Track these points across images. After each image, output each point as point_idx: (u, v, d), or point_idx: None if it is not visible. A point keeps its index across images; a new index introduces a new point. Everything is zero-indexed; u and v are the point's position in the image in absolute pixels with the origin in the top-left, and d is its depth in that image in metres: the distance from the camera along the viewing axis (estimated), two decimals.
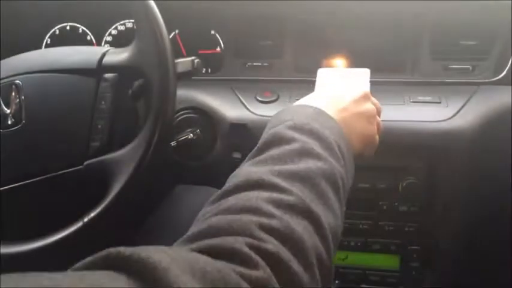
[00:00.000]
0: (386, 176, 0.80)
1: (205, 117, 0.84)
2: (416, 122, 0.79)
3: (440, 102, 0.83)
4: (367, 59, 0.96)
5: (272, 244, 0.34)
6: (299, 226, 0.37)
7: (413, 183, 0.79)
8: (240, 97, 0.88)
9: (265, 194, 0.39)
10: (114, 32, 1.03)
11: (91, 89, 0.67)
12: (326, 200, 0.42)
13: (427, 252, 0.82)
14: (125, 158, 0.65)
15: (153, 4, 0.63)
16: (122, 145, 0.66)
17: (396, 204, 0.81)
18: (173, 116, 0.78)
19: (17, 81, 0.68)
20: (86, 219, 0.64)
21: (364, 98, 0.60)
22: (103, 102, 0.68)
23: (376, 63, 0.95)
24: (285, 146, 0.45)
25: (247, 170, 0.44)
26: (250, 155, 0.47)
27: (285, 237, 0.36)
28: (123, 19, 1.02)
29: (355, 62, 0.97)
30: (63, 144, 0.67)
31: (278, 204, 0.38)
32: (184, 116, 0.84)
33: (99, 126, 0.67)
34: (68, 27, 1.04)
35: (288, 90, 0.89)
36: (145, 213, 0.86)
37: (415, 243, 0.82)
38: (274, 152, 0.45)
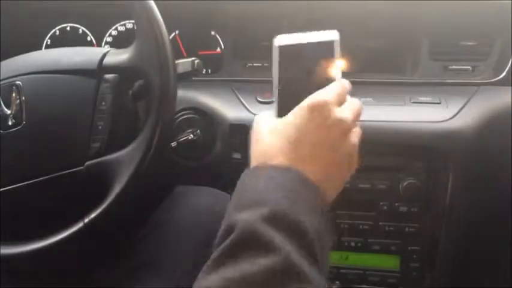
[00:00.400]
0: (387, 177, 0.81)
1: (206, 117, 0.84)
2: (416, 122, 0.79)
3: (440, 103, 0.83)
4: (367, 59, 0.96)
5: None
6: None
7: (414, 183, 0.79)
8: (240, 98, 0.88)
9: None
10: (114, 32, 1.03)
11: (91, 90, 0.67)
12: None
13: (427, 252, 0.83)
14: (126, 159, 0.65)
15: (153, 5, 0.63)
16: (122, 146, 0.66)
17: (396, 204, 0.81)
18: (173, 116, 0.78)
19: (18, 82, 0.68)
20: (86, 220, 0.64)
21: (343, 135, 0.49)
22: (103, 103, 0.68)
23: (376, 64, 0.96)
24: (261, 260, 0.37)
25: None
26: (217, 253, 0.40)
27: None
28: (124, 20, 1.02)
29: (355, 62, 0.97)
30: (64, 145, 0.67)
31: None
32: (185, 116, 0.84)
33: (100, 127, 0.67)
34: (68, 28, 1.04)
35: None
36: (145, 214, 0.86)
37: (415, 243, 0.82)
38: (251, 269, 0.37)
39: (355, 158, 0.52)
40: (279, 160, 0.46)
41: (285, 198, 0.42)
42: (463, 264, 0.84)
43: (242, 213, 0.41)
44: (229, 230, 0.40)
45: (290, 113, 0.50)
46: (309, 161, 0.47)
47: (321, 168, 0.47)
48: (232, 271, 0.37)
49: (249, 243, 0.39)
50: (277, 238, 0.38)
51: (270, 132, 0.49)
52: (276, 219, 0.40)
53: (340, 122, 0.49)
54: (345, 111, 0.50)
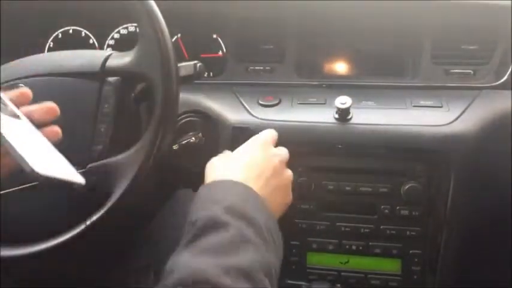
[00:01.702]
0: (388, 180, 0.80)
1: (207, 120, 0.84)
2: (417, 126, 0.79)
3: (441, 107, 0.83)
4: (368, 63, 0.97)
5: None
6: None
7: (415, 187, 0.79)
8: (242, 101, 0.89)
9: None
10: (116, 35, 1.03)
11: (94, 93, 0.68)
12: None
13: (429, 256, 0.82)
14: (128, 162, 0.65)
15: (156, 8, 0.63)
16: (124, 149, 0.66)
17: (398, 208, 0.81)
18: (176, 119, 0.78)
19: (20, 85, 0.68)
20: (88, 222, 0.64)
21: (283, 164, 0.65)
22: (106, 106, 0.68)
23: (377, 68, 0.96)
24: (223, 233, 0.48)
25: (189, 261, 0.46)
26: (186, 239, 0.49)
27: None
28: (126, 23, 1.03)
29: (357, 66, 0.97)
30: (66, 147, 0.68)
31: None
32: (186, 119, 0.84)
33: (102, 130, 0.68)
34: (70, 31, 1.04)
35: (289, 94, 0.89)
36: (147, 217, 0.86)
37: (417, 247, 0.82)
38: (214, 239, 0.47)
39: (290, 189, 0.67)
40: (233, 177, 0.57)
41: (239, 199, 0.53)
42: (464, 267, 0.84)
43: (204, 211, 0.51)
44: (194, 223, 0.49)
45: (241, 146, 0.66)
46: (257, 181, 0.58)
47: (267, 189, 0.59)
48: (201, 244, 0.47)
49: (212, 226, 0.48)
50: (232, 223, 0.49)
51: (225, 160, 0.64)
52: (231, 211, 0.50)
53: (279, 154, 0.66)
54: (281, 149, 0.68)
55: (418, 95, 0.86)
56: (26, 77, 0.69)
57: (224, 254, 0.46)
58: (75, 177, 0.51)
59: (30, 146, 0.46)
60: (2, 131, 0.44)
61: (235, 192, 0.55)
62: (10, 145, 0.44)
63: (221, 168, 0.63)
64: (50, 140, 0.52)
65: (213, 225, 0.49)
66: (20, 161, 0.43)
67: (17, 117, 0.50)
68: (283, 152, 0.67)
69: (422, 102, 0.84)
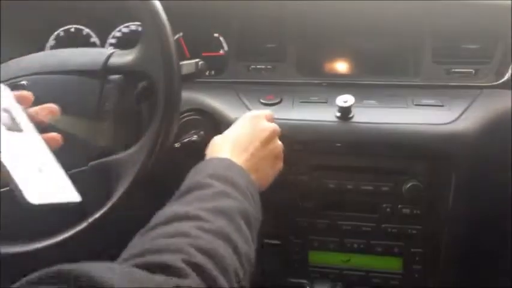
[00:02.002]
0: (389, 179, 0.81)
1: (209, 119, 0.85)
2: (419, 125, 0.79)
3: (443, 106, 0.83)
4: (370, 62, 0.97)
5: (201, 259, 0.42)
6: (221, 247, 0.45)
7: (416, 185, 0.79)
8: (244, 99, 0.89)
9: (193, 223, 0.47)
10: (118, 34, 1.03)
11: (96, 91, 0.68)
12: (241, 232, 0.51)
13: (430, 254, 0.83)
14: (130, 159, 0.65)
15: (159, 7, 0.63)
16: (126, 146, 0.67)
17: (399, 206, 0.81)
18: (178, 118, 0.79)
19: (23, 82, 0.68)
20: (90, 220, 0.64)
21: (272, 136, 0.68)
22: (107, 104, 0.68)
23: (378, 66, 0.96)
24: (206, 191, 0.53)
25: (173, 208, 0.51)
26: (173, 197, 0.54)
27: (211, 254, 0.43)
28: (128, 21, 1.03)
29: (358, 65, 0.97)
30: (68, 145, 0.68)
31: (204, 230, 0.46)
32: (188, 117, 0.84)
33: (104, 128, 0.68)
34: (72, 29, 1.04)
35: (291, 92, 0.89)
36: (148, 215, 0.86)
37: (418, 245, 0.83)
38: (197, 194, 0.53)
39: (281, 158, 0.70)
40: (221, 155, 0.63)
41: (222, 169, 0.58)
42: (465, 266, 0.84)
43: (188, 180, 0.56)
44: (180, 189, 0.54)
45: (234, 123, 0.72)
46: (242, 154, 0.64)
47: (253, 160, 0.64)
48: (184, 199, 0.52)
49: (195, 187, 0.54)
50: (215, 184, 0.54)
51: (218, 140, 0.68)
52: (215, 176, 0.55)
53: (270, 127, 0.69)
54: (270, 124, 0.71)
55: (420, 94, 0.87)
56: (29, 75, 0.69)
57: (204, 202, 0.51)
58: (71, 195, 0.51)
59: (26, 167, 0.47)
60: (2, 159, 0.45)
61: (220, 165, 0.60)
62: (8, 173, 0.45)
63: (212, 148, 0.67)
64: (50, 146, 0.52)
65: (198, 186, 0.54)
66: (14, 189, 0.44)
67: (19, 130, 0.51)
68: (271, 126, 0.70)
69: (423, 101, 0.84)
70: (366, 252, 0.84)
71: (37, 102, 0.68)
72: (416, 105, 0.84)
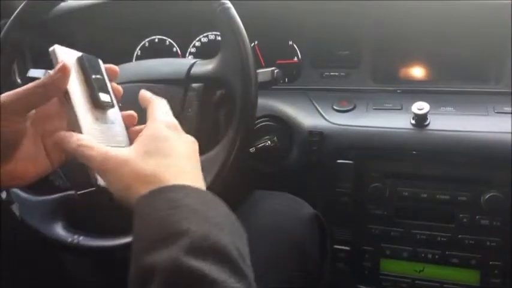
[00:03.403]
0: (467, 188, 0.78)
1: (283, 125, 0.87)
2: (500, 133, 0.76)
3: None
4: (447, 68, 0.94)
5: None
6: None
7: (497, 196, 0.76)
8: (317, 106, 0.90)
9: None
10: (197, 43, 1.09)
11: (179, 98, 0.72)
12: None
13: (510, 268, 0.79)
14: (208, 164, 0.68)
15: (237, 17, 0.66)
16: (205, 151, 0.70)
17: (477, 217, 0.78)
18: (254, 124, 0.82)
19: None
20: None
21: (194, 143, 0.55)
22: (189, 110, 0.72)
23: (456, 73, 0.93)
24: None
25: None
26: None
27: None
28: (206, 32, 1.08)
29: (434, 71, 0.95)
30: None
31: None
32: (263, 123, 0.87)
33: (186, 133, 0.72)
34: (156, 40, 1.12)
35: (365, 99, 0.89)
36: None
37: (497, 258, 0.79)
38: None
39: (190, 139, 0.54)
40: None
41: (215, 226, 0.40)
42: None
43: (159, 252, 0.36)
44: (148, 273, 0.36)
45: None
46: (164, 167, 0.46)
47: (171, 164, 0.47)
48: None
49: (181, 283, 0.34)
50: (207, 269, 0.35)
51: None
52: (196, 247, 0.36)
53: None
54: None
55: (501, 101, 0.83)
56: (121, 83, 0.75)
57: None
58: None
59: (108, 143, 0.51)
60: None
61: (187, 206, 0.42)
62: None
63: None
64: (127, 124, 0.56)
65: (183, 282, 0.35)
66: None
67: (113, 106, 0.56)
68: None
69: (505, 109, 0.81)
70: (441, 263, 0.82)
71: (127, 108, 0.75)
72: (497, 112, 0.81)
